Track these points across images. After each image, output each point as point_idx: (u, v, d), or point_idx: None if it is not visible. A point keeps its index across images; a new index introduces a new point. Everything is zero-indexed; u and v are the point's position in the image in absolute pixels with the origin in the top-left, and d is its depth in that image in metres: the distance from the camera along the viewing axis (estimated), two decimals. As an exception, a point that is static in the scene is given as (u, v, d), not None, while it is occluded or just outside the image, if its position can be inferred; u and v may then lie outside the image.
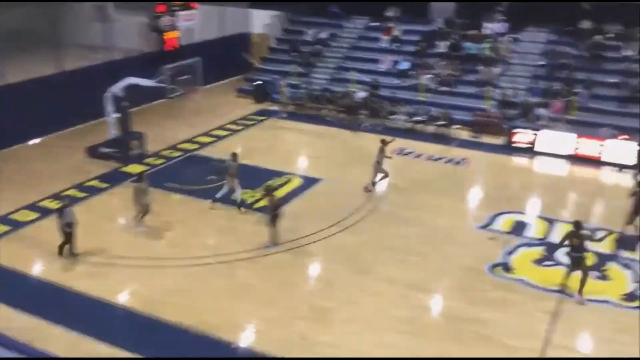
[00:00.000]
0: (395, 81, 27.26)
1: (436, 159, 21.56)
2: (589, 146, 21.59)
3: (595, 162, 21.21)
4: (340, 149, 22.44)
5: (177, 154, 21.35)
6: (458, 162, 21.28)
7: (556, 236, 15.73)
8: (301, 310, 12.55)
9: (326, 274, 14.14)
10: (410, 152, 22.19)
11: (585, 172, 20.79)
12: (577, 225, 13.02)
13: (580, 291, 12.84)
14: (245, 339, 11.71)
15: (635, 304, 12.80)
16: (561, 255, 14.75)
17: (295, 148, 22.72)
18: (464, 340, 11.59)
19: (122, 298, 12.92)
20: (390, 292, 13.18)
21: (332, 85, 27.69)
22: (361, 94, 26.29)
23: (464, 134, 24.11)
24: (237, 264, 14.21)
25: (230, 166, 16.74)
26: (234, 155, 16.86)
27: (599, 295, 13.14)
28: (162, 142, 22.07)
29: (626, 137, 21.49)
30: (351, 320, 12.19)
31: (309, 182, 19.07)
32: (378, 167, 18.49)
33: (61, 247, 14.17)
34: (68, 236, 14.04)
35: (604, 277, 13.89)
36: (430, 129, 24.19)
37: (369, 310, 12.52)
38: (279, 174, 19.46)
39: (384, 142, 18.59)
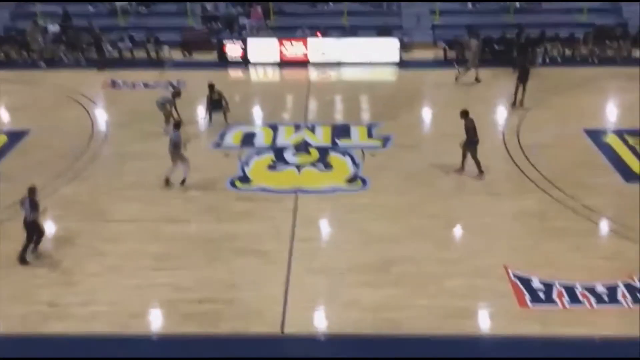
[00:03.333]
0: (90, 9, 25.10)
1: (153, 86, 20.81)
2: (294, 49, 22.94)
3: (302, 63, 22.71)
4: (45, 93, 20.19)
5: None
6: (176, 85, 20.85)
7: (281, 140, 16.74)
8: (41, 277, 11.42)
9: (62, 231, 12.98)
10: (123, 83, 21.01)
11: (295, 73, 22.14)
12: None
13: None
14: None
15: (358, 184, 14.45)
16: (289, 156, 15.82)
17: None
18: (222, 258, 11.86)
19: None
20: (136, 232, 12.73)
21: (15, 23, 24.41)
22: (53, 28, 23.69)
23: (176, 55, 23.61)
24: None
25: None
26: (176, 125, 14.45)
27: (327, 184, 14.50)
28: None
29: (319, 34, 23.30)
30: (100, 272, 11.49)
31: (15, 137, 16.93)
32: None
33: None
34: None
35: (329, 167, 15.29)
36: (140, 54, 23.14)
37: (118, 257, 11.94)
38: (-24, 134, 16.89)
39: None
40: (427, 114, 18.86)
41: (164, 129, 16.64)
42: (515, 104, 18.50)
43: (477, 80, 20.49)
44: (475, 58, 20.67)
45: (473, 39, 21.00)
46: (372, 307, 10.50)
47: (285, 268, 11.53)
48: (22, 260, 11.67)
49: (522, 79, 18.31)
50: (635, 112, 17.92)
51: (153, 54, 23.28)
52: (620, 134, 16.58)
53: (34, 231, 11.72)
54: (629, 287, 10.79)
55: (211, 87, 17.50)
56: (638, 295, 10.61)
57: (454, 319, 10.20)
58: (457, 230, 12.83)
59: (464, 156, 14.57)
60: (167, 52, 23.35)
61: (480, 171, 14.50)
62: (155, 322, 10.41)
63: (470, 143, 14.35)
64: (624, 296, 10.61)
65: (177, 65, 22.81)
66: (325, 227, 13.05)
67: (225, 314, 10.42)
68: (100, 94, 20.27)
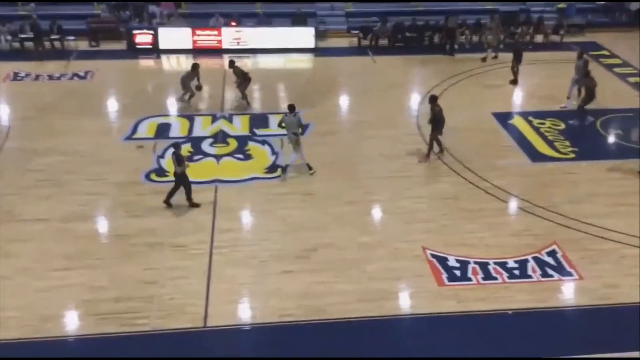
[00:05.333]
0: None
1: (58, 78, 19.84)
2: (206, 37, 22.49)
3: (216, 51, 22.32)
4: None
5: None
6: (83, 76, 19.98)
7: (198, 130, 16.40)
8: (-56, 284, 10.68)
9: (-36, 234, 12.19)
10: (26, 76, 19.89)
11: (209, 62, 21.72)
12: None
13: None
14: None
15: (277, 173, 14.37)
16: (207, 147, 15.53)
17: None
18: (139, 254, 11.50)
19: None
20: (46, 232, 12.11)
21: None
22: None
23: (82, 45, 22.59)
24: None
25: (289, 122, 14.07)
26: (291, 107, 14.24)
27: (246, 174, 14.33)
28: None
29: (235, 23, 22.96)
30: (9, 276, 10.86)
31: None
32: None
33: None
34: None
35: (248, 157, 15.12)
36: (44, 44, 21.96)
37: (28, 258, 11.33)
38: None
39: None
40: (344, 100, 19.02)
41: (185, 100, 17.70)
42: (516, 82, 19.57)
43: (495, 57, 21.73)
44: (495, 39, 21.97)
45: (492, 21, 22.20)
46: (296, 295, 10.53)
47: (206, 261, 11.34)
48: (167, 203, 12.94)
49: (518, 59, 19.46)
50: (538, 95, 18.87)
51: (57, 44, 22.15)
52: (525, 116, 17.40)
53: (181, 182, 12.73)
54: (538, 261, 11.39)
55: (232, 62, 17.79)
56: (546, 268, 11.23)
57: (375, 301, 10.40)
58: (376, 215, 13.05)
59: (432, 143, 14.82)
60: (72, 43, 22.29)
61: (428, 155, 14.88)
62: (70, 324, 9.95)
63: (437, 127, 14.60)
64: (533, 270, 11.18)
65: (83, 55, 21.80)
66: (245, 217, 12.92)
67: (144, 311, 10.11)
68: (2, 87, 19.08)
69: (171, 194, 12.91)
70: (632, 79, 20.10)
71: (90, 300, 10.34)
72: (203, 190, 13.61)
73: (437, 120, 14.60)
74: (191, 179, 13.43)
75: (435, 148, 15.01)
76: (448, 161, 14.88)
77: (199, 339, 9.69)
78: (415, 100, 18.61)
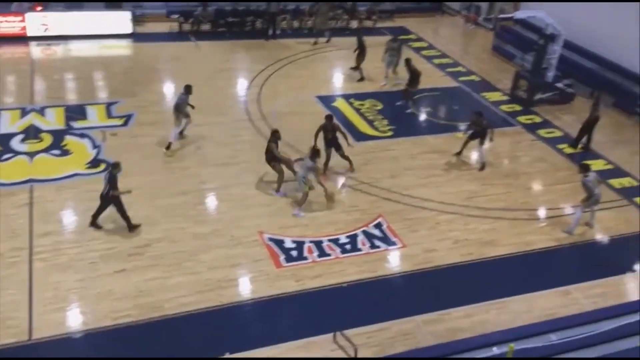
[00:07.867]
0: None
1: None
2: (8, 24, 20.40)
3: (21, 39, 20.34)
4: None
5: None
6: None
7: (5, 127, 14.88)
8: None
9: None
10: None
11: (13, 51, 19.74)
12: None
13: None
14: None
15: (101, 168, 13.52)
16: (17, 144, 14.17)
17: None
18: (-59, 269, 10.23)
19: None
20: None
21: None
22: None
23: None
24: None
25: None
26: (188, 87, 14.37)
27: (65, 171, 13.32)
28: None
29: (41, 7, 21.09)
30: None
31: None
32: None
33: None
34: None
35: (65, 153, 14.04)
36: None
37: None
38: None
39: None
40: (168, 88, 18.39)
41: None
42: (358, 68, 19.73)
43: (328, 41, 22.44)
44: (323, 23, 22.79)
45: (323, 5, 22.91)
46: (130, 294, 10.10)
47: (25, 269, 10.43)
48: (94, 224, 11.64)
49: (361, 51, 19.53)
50: (357, 77, 19.82)
51: None
52: (346, 98, 18.23)
53: (108, 204, 11.41)
54: (367, 234, 12.08)
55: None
56: (374, 240, 11.96)
57: (214, 291, 10.33)
58: (210, 204, 12.90)
59: (346, 158, 14.26)
60: None
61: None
62: None
63: (332, 144, 14.04)
64: (363, 243, 11.85)
65: None
66: (68, 217, 12.02)
67: (-45, 331, 9.06)
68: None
69: (97, 215, 11.60)
70: (436, 61, 21.92)
71: None
72: (15, 192, 12.43)
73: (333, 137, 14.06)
74: (1, 180, 12.17)
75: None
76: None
77: (24, 353, 8.90)
78: (242, 86, 18.59)
